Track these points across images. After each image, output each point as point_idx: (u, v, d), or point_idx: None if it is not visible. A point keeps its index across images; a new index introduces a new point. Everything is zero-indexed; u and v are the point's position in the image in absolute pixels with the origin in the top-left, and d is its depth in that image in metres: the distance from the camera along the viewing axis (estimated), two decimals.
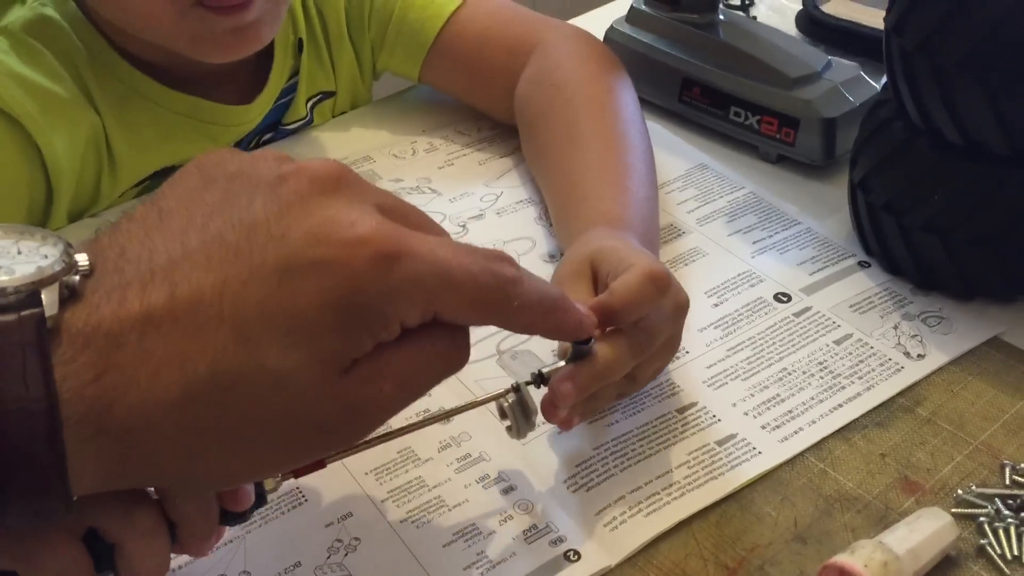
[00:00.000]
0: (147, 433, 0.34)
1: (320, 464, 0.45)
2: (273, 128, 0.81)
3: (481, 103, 0.82)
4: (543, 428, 0.54)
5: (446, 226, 0.71)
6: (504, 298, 0.39)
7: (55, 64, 0.67)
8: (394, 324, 0.37)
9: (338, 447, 0.41)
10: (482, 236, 0.70)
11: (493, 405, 0.50)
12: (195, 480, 0.38)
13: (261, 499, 0.43)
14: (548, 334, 0.44)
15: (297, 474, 0.44)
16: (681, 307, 0.53)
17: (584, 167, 0.66)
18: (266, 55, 0.77)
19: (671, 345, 0.54)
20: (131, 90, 0.71)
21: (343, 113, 0.86)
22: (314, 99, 0.83)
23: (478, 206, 0.73)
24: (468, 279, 0.38)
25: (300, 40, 0.80)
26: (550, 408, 0.48)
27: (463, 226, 0.71)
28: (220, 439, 0.35)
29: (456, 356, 0.40)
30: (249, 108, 0.77)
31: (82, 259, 0.34)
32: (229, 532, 0.48)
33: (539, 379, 0.49)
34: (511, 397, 0.48)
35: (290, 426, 0.36)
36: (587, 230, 0.59)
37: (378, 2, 0.81)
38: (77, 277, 0.34)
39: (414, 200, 0.74)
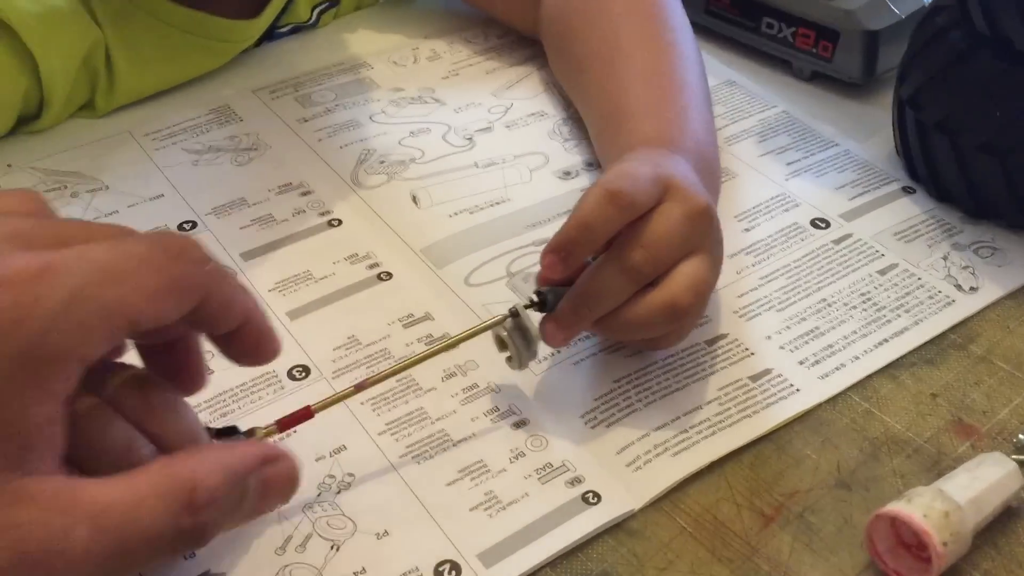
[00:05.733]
0: None
1: (308, 413, 0.40)
2: (268, 34, 0.75)
3: (504, 13, 0.75)
4: (557, 356, 0.49)
5: (450, 138, 0.66)
6: (193, 263, 0.32)
7: None
8: (72, 363, 0.29)
9: None
10: (490, 150, 0.64)
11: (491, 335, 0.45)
12: None
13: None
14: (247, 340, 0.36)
15: (281, 426, 0.40)
16: (693, 214, 0.45)
17: (628, 82, 0.57)
18: None
19: (707, 258, 0.46)
20: (132, 3, 0.65)
21: None
22: (320, 7, 0.77)
23: (486, 118, 0.67)
24: (137, 261, 0.31)
25: None
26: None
27: (469, 139, 0.65)
28: None
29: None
30: (254, 22, 0.70)
31: None
32: None
33: (542, 303, 0.44)
34: (508, 323, 0.44)
35: None
36: (626, 154, 0.51)
37: None
38: None
39: (414, 111, 0.68)
